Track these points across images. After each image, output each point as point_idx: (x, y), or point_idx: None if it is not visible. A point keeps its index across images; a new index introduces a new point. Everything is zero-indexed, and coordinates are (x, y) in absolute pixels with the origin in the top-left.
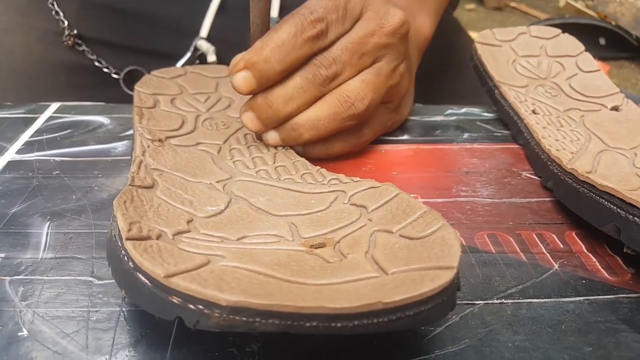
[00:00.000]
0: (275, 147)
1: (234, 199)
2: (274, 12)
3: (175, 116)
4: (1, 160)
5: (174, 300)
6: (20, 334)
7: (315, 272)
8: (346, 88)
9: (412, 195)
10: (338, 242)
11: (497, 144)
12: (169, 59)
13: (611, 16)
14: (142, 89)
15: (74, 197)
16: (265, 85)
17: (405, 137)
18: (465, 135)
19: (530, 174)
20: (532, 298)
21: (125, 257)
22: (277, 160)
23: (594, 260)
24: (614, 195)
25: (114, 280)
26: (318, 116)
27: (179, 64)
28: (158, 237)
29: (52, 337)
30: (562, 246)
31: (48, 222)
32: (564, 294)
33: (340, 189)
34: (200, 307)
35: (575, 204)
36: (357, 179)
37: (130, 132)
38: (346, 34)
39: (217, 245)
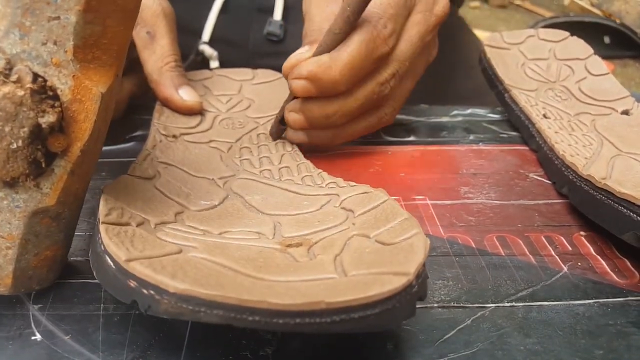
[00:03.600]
0: (284, 148)
1: (231, 195)
2: (277, 14)
3: (195, 115)
4: None
5: (131, 284)
6: (33, 337)
7: (279, 270)
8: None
9: (420, 197)
10: (315, 243)
11: (503, 146)
12: None
13: (616, 14)
14: None
15: None
16: (325, 96)
17: (412, 138)
18: (472, 136)
19: (538, 175)
20: (543, 301)
21: (99, 240)
22: (283, 161)
23: (603, 262)
24: (633, 203)
25: None
26: (359, 131)
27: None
28: (139, 225)
29: (65, 341)
30: (570, 248)
31: None
32: (574, 297)
33: (335, 192)
34: (152, 292)
35: (593, 211)
36: (354, 183)
37: (137, 133)
38: (406, 39)
39: (195, 237)
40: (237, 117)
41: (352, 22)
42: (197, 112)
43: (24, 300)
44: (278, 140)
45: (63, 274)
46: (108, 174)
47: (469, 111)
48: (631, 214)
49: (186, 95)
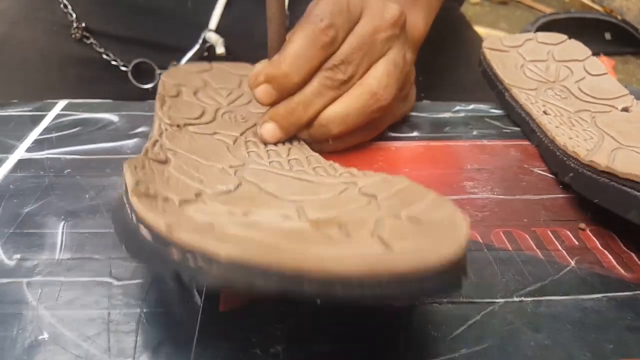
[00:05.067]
0: (291, 142)
1: (245, 183)
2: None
3: (196, 106)
4: (11, 158)
5: (174, 253)
6: (40, 337)
7: (322, 244)
8: (370, 82)
9: None
10: (344, 222)
11: (507, 141)
12: (177, 52)
13: (617, 10)
14: (167, 79)
15: (87, 196)
16: (286, 95)
17: (415, 133)
18: (475, 132)
19: (542, 170)
20: (551, 295)
21: (130, 211)
22: (291, 154)
23: (610, 257)
24: (636, 182)
25: (133, 281)
26: (347, 111)
27: (188, 55)
28: (165, 201)
29: (73, 340)
30: (577, 243)
31: (63, 222)
32: (582, 291)
33: (351, 180)
34: (199, 261)
35: (597, 194)
36: (370, 172)
37: (140, 129)
38: (352, 34)
39: (222, 216)
40: (239, 111)
41: (280, 24)
42: None
43: (30, 299)
44: None
45: (72, 272)
46: (113, 170)
47: (471, 107)
48: (636, 192)
49: None
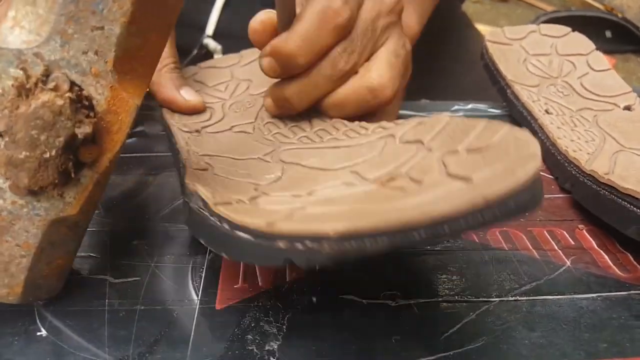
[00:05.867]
0: (308, 115)
1: (286, 166)
2: None
3: (203, 110)
4: None
5: (280, 245)
6: (39, 333)
7: (400, 196)
8: (371, 75)
9: None
10: (407, 172)
11: None
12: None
13: (618, 8)
14: None
15: None
16: (289, 74)
17: None
18: None
19: (540, 170)
20: (547, 295)
21: (218, 222)
22: (313, 125)
23: (605, 257)
24: (636, 198)
25: (130, 279)
26: (345, 101)
27: (187, 60)
28: (238, 202)
29: (71, 337)
30: (573, 243)
31: None
32: (577, 291)
33: (386, 133)
34: (309, 244)
35: (597, 206)
36: (401, 120)
37: (139, 129)
38: (359, 18)
39: (293, 200)
40: (244, 99)
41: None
42: (201, 110)
43: None
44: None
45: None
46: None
47: (470, 106)
48: (635, 209)
49: (188, 95)
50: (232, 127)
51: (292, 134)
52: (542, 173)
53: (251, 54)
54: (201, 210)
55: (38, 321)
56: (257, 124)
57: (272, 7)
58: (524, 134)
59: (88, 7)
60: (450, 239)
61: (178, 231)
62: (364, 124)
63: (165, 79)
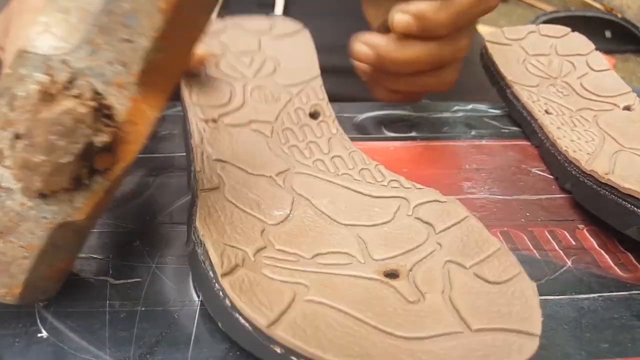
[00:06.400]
0: (329, 131)
1: (297, 199)
2: (278, 9)
3: (224, 85)
4: None
5: (277, 350)
6: (39, 335)
7: (401, 319)
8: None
9: None
10: (410, 270)
11: (505, 141)
12: None
13: (617, 9)
14: None
15: None
16: (422, 37)
17: (413, 133)
18: (473, 132)
19: (540, 170)
20: (548, 295)
21: (221, 293)
22: (332, 148)
23: (606, 257)
24: (637, 198)
25: (131, 280)
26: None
27: None
28: (244, 262)
29: (72, 338)
30: (574, 243)
31: None
32: (578, 291)
33: (402, 195)
34: None
35: (597, 206)
36: (419, 185)
37: None
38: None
39: (295, 268)
40: (267, 86)
41: None
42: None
43: None
44: (320, 120)
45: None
46: None
47: (470, 107)
48: (635, 209)
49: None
50: (250, 122)
51: (308, 152)
52: (542, 173)
53: (284, 24)
54: (207, 269)
55: (39, 322)
56: (277, 126)
57: (269, 9)
58: (531, 291)
59: (121, 20)
60: None
61: (179, 232)
62: (381, 168)
63: None
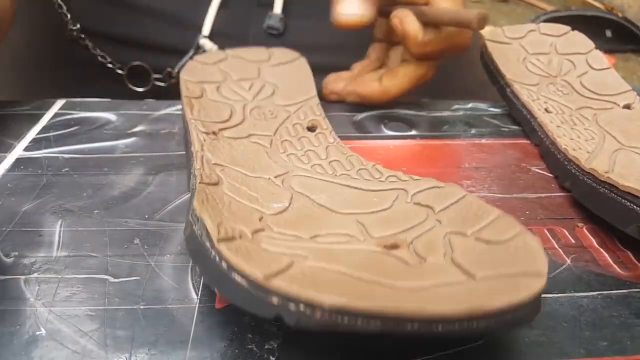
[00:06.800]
0: (327, 140)
1: (295, 195)
2: (277, 8)
3: (224, 106)
4: (9, 157)
5: (274, 301)
6: (38, 333)
7: (400, 275)
8: None
9: None
10: (411, 243)
11: (505, 139)
12: (172, 54)
13: (618, 8)
14: (188, 78)
15: (84, 194)
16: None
17: (413, 132)
18: (473, 130)
19: (540, 169)
20: (547, 293)
21: (217, 258)
22: (329, 154)
23: (606, 255)
24: (636, 196)
25: (130, 278)
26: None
27: (182, 61)
28: (240, 237)
29: (71, 336)
30: (573, 241)
31: (60, 220)
32: (577, 289)
33: (400, 186)
34: (302, 307)
35: (596, 205)
36: (417, 177)
37: (138, 128)
38: None
39: (295, 244)
40: (266, 106)
41: None
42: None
43: (27, 296)
44: (318, 132)
45: (69, 270)
46: (110, 169)
47: (470, 105)
48: (635, 207)
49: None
50: (250, 135)
51: (307, 159)
52: (541, 172)
53: (282, 54)
54: (203, 240)
55: (37, 320)
56: (275, 139)
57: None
58: (534, 242)
59: None
60: (443, 336)
61: (178, 230)
62: (379, 167)
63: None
